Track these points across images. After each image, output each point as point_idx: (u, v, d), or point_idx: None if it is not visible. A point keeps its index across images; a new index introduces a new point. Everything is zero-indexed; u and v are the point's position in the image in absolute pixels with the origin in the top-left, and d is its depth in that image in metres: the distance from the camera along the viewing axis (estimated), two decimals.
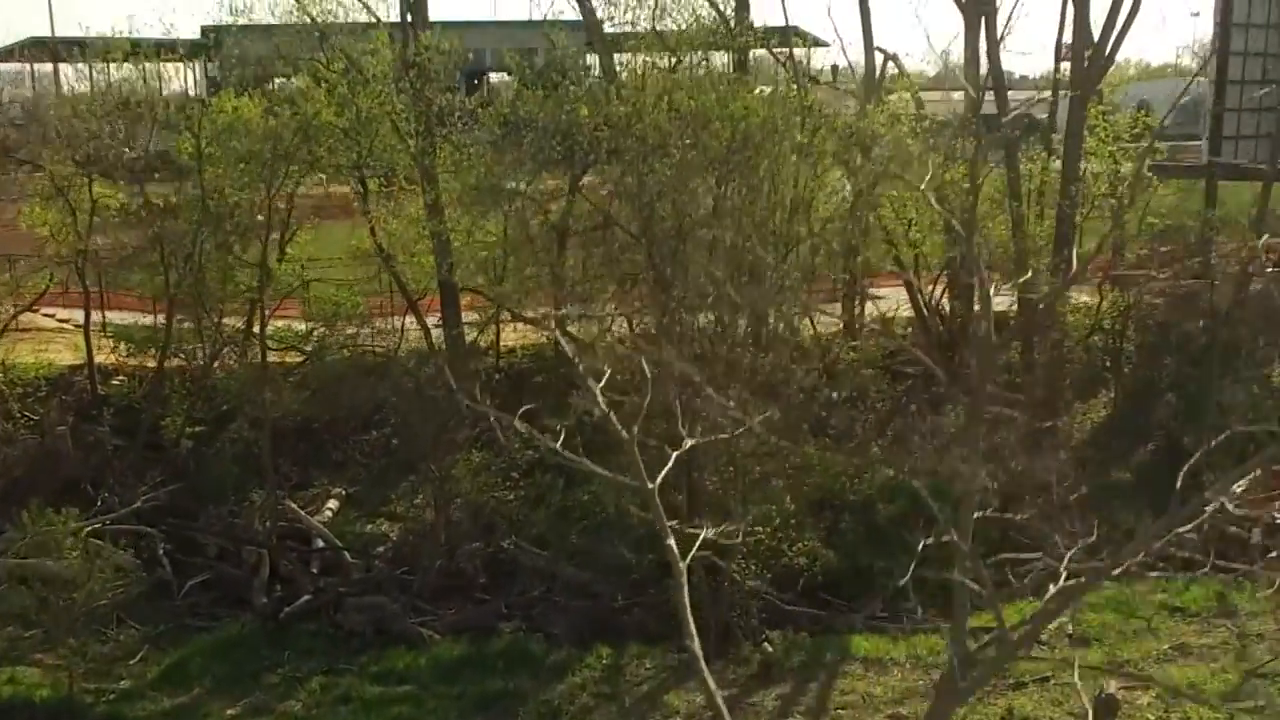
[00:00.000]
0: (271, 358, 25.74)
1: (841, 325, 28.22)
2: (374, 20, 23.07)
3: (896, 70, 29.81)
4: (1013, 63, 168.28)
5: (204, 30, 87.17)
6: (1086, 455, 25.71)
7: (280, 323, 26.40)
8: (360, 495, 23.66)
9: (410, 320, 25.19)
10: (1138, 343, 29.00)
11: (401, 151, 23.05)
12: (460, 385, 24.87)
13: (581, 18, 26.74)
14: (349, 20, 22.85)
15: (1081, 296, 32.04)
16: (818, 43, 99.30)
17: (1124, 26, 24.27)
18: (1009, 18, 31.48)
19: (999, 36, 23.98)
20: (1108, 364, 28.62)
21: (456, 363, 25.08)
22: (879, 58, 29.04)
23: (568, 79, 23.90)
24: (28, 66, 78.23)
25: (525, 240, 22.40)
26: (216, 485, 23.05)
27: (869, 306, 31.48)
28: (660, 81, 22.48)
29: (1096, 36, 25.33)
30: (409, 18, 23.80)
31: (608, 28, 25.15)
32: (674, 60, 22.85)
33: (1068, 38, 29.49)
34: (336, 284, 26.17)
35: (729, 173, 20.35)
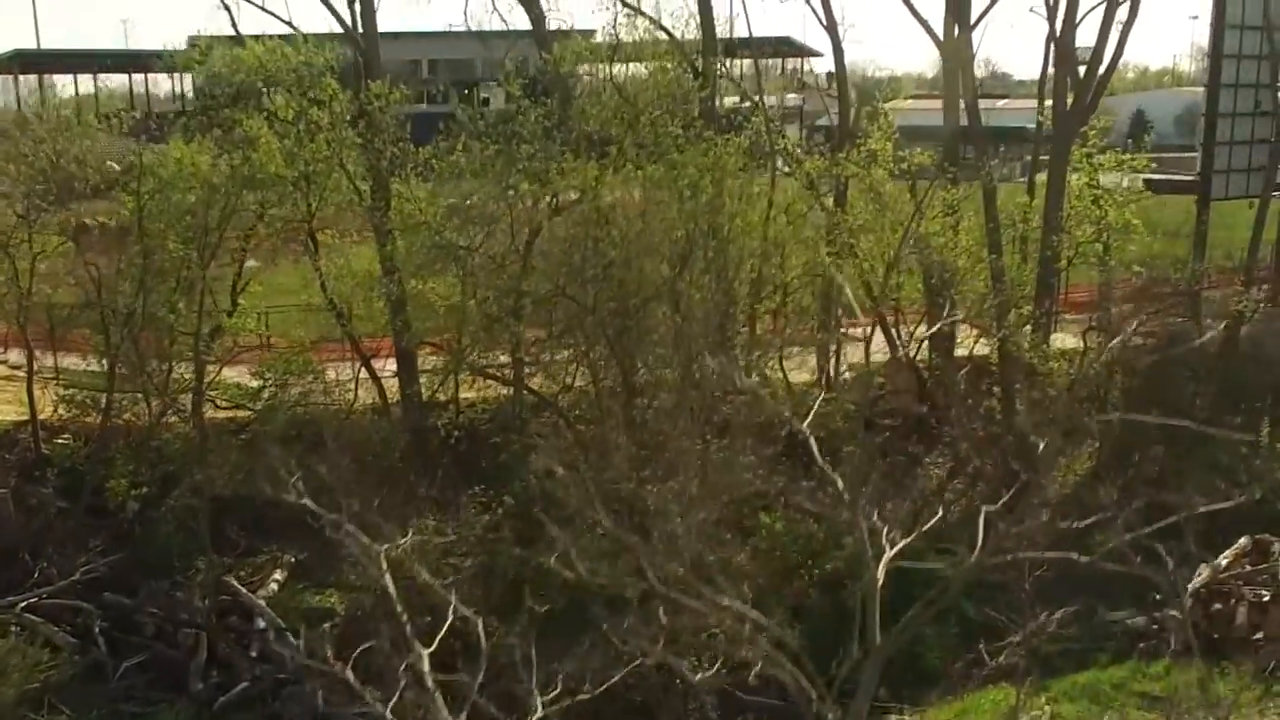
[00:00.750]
0: (224, 413, 25.02)
1: (817, 373, 27.33)
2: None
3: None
4: (1012, 65, 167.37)
5: (190, 41, 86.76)
6: (1064, 516, 24.78)
7: (238, 369, 25.59)
8: (311, 562, 22.70)
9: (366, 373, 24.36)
10: (1125, 387, 28.09)
11: (353, 205, 22.12)
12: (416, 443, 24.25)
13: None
14: (295, 63, 21.81)
15: (1068, 340, 31.18)
16: (810, 52, 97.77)
17: (1107, 71, 23.35)
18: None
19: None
20: (1093, 412, 27.72)
21: (413, 420, 24.30)
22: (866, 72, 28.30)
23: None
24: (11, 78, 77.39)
25: (480, 301, 21.45)
26: (161, 553, 22.13)
27: (851, 345, 30.76)
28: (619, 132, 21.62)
29: (1091, 54, 24.53)
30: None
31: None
32: (632, 116, 21.85)
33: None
34: (293, 326, 25.35)
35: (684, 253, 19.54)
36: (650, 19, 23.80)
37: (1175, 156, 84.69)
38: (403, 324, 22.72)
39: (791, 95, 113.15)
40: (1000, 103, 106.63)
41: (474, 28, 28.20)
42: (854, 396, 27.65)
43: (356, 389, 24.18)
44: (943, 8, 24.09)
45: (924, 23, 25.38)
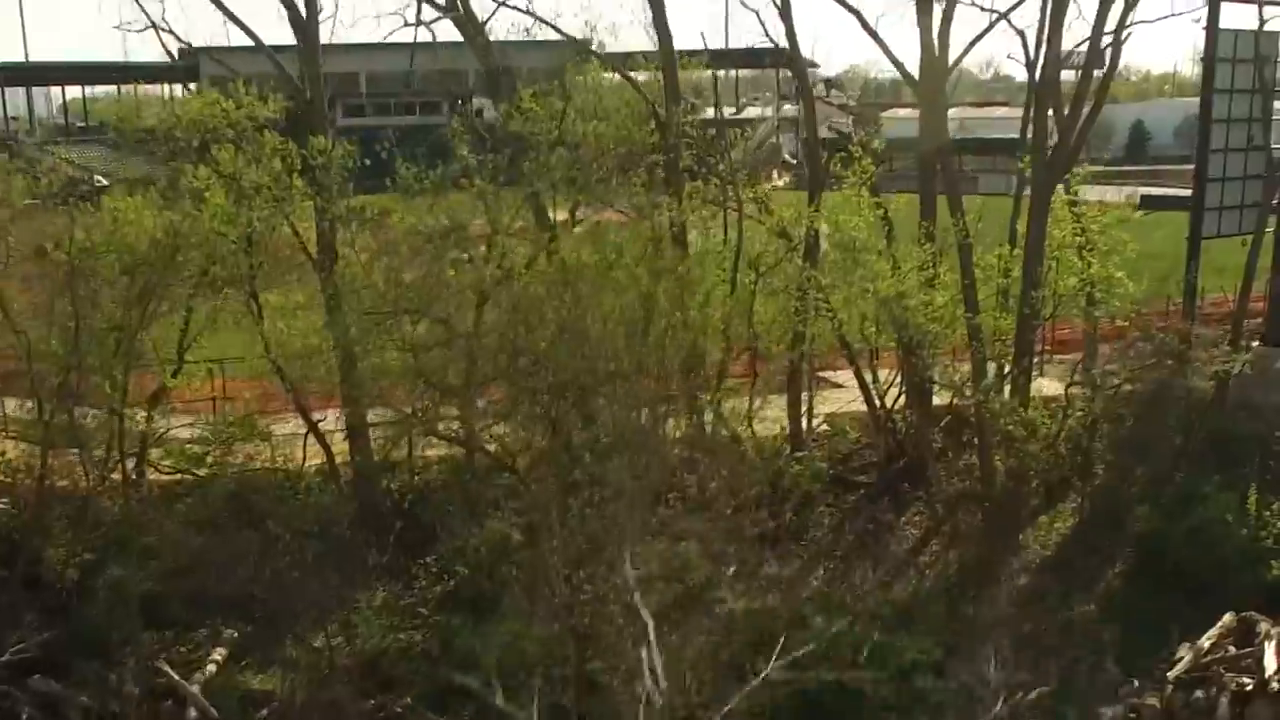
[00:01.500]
0: (169, 476, 24.11)
1: (788, 427, 26.30)
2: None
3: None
4: (1012, 69, 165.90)
5: (181, 53, 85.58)
6: (1046, 581, 23.86)
7: (189, 420, 24.73)
8: (256, 636, 21.77)
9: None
10: (1110, 438, 27.07)
11: (298, 267, 21.18)
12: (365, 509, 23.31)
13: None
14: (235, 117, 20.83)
15: (1053, 385, 30.17)
16: (806, 62, 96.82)
17: (1087, 120, 22.37)
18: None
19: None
20: (1078, 462, 26.70)
21: (363, 485, 23.39)
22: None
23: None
24: None
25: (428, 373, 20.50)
26: (97, 630, 21.16)
27: (830, 389, 29.79)
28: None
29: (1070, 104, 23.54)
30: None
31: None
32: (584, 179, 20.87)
33: None
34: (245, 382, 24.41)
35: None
36: (614, 66, 22.79)
37: (1175, 169, 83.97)
38: (351, 387, 21.76)
39: (788, 106, 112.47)
40: (999, 111, 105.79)
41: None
42: (827, 453, 26.79)
43: (305, 452, 23.21)
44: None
45: (899, 65, 24.46)
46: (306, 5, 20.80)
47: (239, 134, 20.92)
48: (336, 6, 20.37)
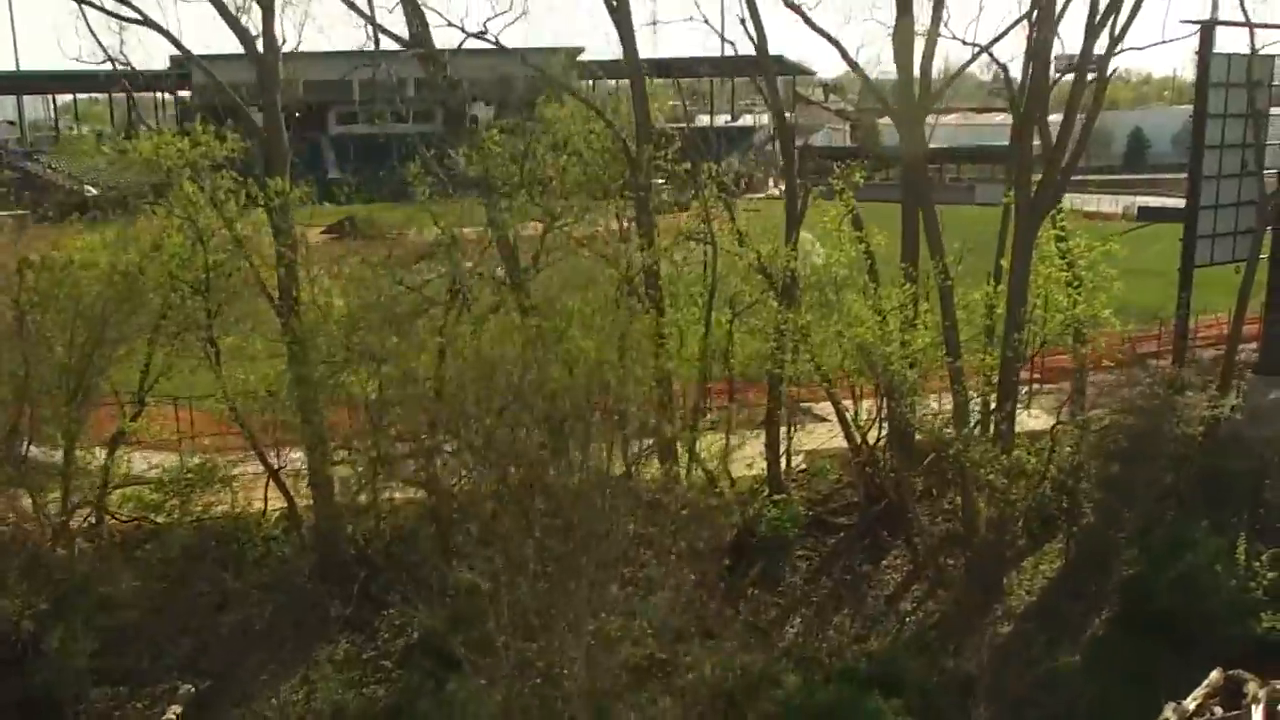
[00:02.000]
0: (129, 523, 23.49)
1: (767, 467, 25.61)
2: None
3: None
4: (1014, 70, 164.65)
5: (172, 60, 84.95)
6: (1030, 630, 23.21)
7: (155, 457, 24.10)
8: (213, 692, 21.14)
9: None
10: (1100, 475, 26.37)
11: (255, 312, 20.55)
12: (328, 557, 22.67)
13: None
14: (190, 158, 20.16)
15: (1040, 418, 29.52)
16: (801, 70, 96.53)
17: (1070, 161, 21.70)
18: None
19: None
20: (1064, 502, 26.02)
21: (325, 532, 22.76)
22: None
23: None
24: None
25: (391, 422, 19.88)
26: (50, 686, 20.53)
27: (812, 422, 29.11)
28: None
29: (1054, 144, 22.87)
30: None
31: None
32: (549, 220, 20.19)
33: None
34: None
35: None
36: (586, 101, 22.12)
37: (1174, 178, 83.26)
38: (312, 434, 21.14)
39: (786, 114, 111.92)
40: (999, 117, 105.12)
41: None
42: (807, 494, 26.14)
43: (266, 499, 22.57)
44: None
45: (883, 99, 23.77)
46: (265, 42, 20.14)
47: (196, 173, 20.25)
48: (299, 39, 19.52)
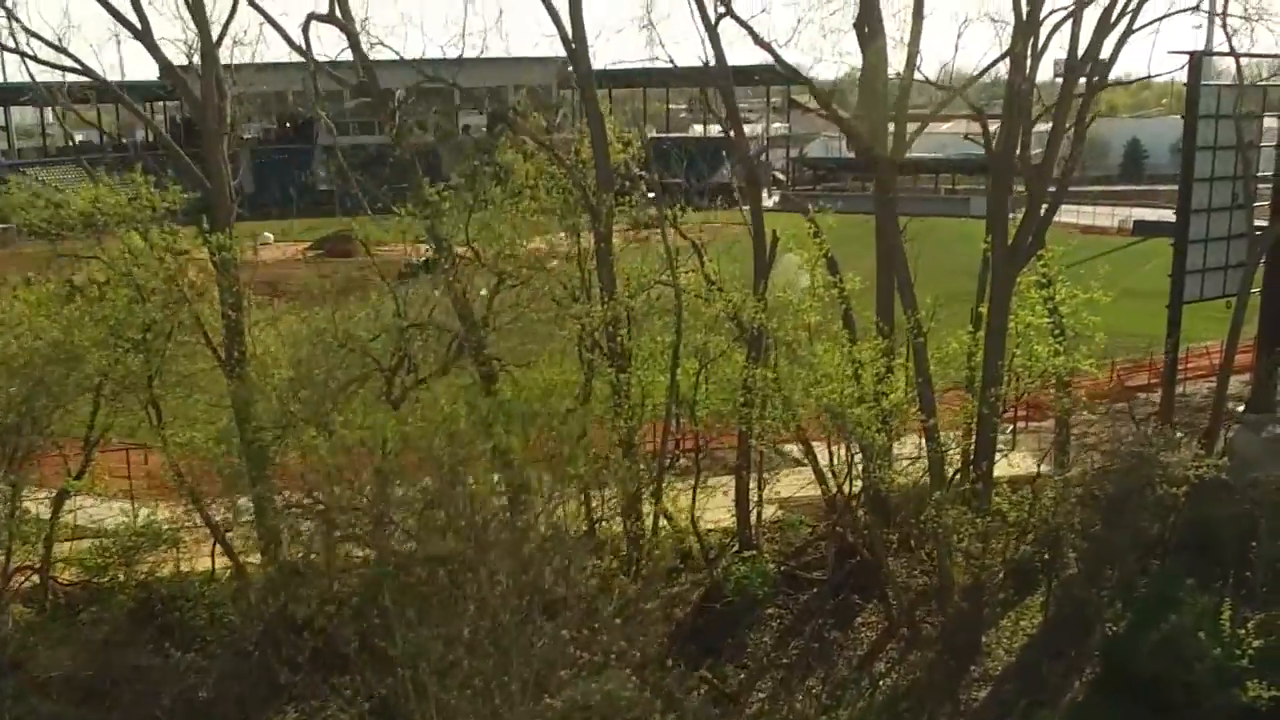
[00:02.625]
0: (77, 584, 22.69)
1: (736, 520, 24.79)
2: None
3: None
4: None
5: (164, 70, 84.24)
6: (1008, 693, 22.39)
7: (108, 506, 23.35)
8: None
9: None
10: (1084, 523, 25.51)
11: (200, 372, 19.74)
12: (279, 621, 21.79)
13: None
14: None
15: (1026, 460, 28.72)
16: (797, 79, 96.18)
17: (1049, 211, 20.86)
18: None
19: None
20: (1044, 557, 25.16)
21: (276, 594, 21.88)
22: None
23: None
24: None
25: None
26: None
27: (788, 466, 28.24)
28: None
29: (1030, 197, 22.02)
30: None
31: None
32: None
33: None
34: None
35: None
36: (545, 145, 21.28)
37: (1171, 189, 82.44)
38: (261, 492, 20.31)
39: (777, 124, 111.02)
40: (994, 125, 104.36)
41: None
42: (779, 546, 25.33)
43: (214, 561, 21.76)
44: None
45: (857, 136, 22.93)
46: (204, 93, 19.33)
47: (137, 225, 19.44)
48: (233, 84, 18.51)
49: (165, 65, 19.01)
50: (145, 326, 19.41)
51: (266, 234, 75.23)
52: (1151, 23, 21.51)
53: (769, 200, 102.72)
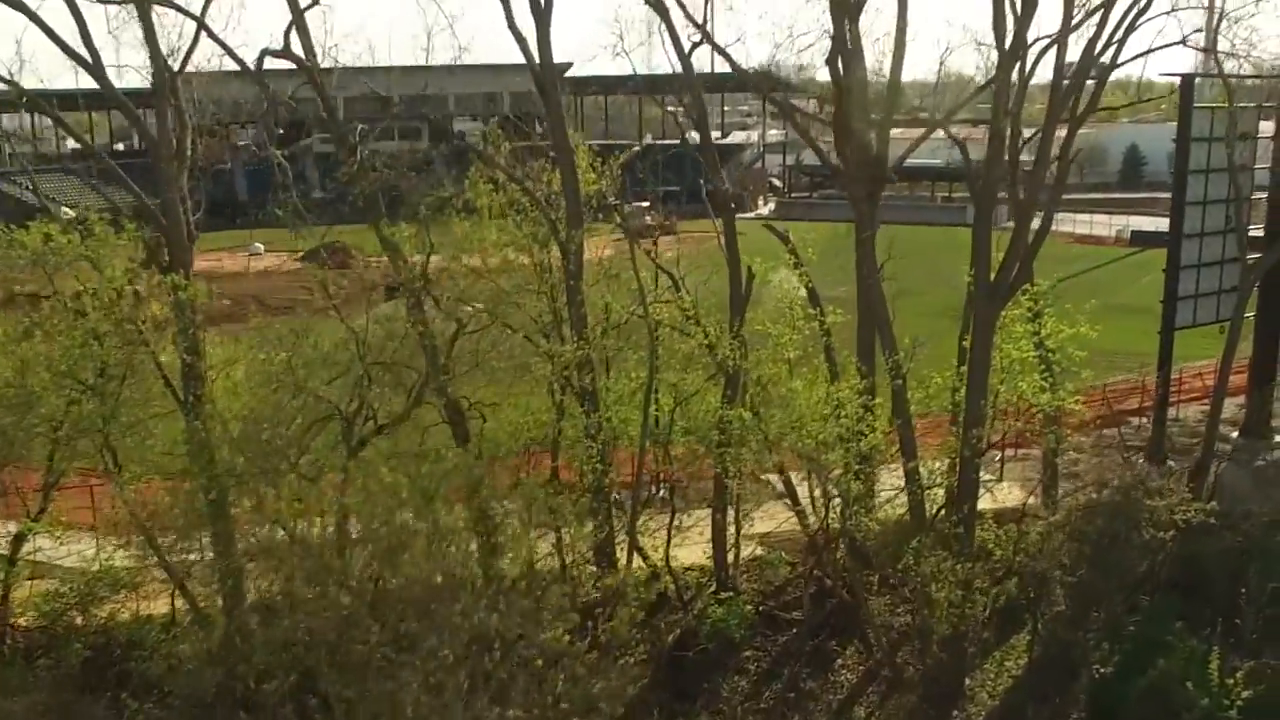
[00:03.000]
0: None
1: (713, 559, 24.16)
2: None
3: None
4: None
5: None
6: None
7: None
8: None
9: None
10: (1073, 558, 24.87)
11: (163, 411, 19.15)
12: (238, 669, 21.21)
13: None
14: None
15: (1014, 491, 28.14)
16: (791, 87, 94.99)
17: (1032, 248, 20.24)
18: None
19: None
20: (1030, 595, 24.54)
21: (236, 640, 21.28)
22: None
23: None
24: None
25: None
26: None
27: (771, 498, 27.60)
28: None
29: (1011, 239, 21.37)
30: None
31: None
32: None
33: None
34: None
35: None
36: (515, 179, 20.65)
37: (1169, 197, 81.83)
38: (220, 536, 19.70)
39: (774, 131, 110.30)
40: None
41: None
42: (759, 585, 24.72)
43: (174, 607, 21.15)
44: None
45: (834, 169, 22.32)
46: (159, 132, 18.72)
47: (93, 265, 18.86)
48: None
49: (118, 100, 18.41)
50: (99, 370, 18.82)
51: (257, 244, 74.64)
52: (1138, 56, 20.82)
53: (766, 207, 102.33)
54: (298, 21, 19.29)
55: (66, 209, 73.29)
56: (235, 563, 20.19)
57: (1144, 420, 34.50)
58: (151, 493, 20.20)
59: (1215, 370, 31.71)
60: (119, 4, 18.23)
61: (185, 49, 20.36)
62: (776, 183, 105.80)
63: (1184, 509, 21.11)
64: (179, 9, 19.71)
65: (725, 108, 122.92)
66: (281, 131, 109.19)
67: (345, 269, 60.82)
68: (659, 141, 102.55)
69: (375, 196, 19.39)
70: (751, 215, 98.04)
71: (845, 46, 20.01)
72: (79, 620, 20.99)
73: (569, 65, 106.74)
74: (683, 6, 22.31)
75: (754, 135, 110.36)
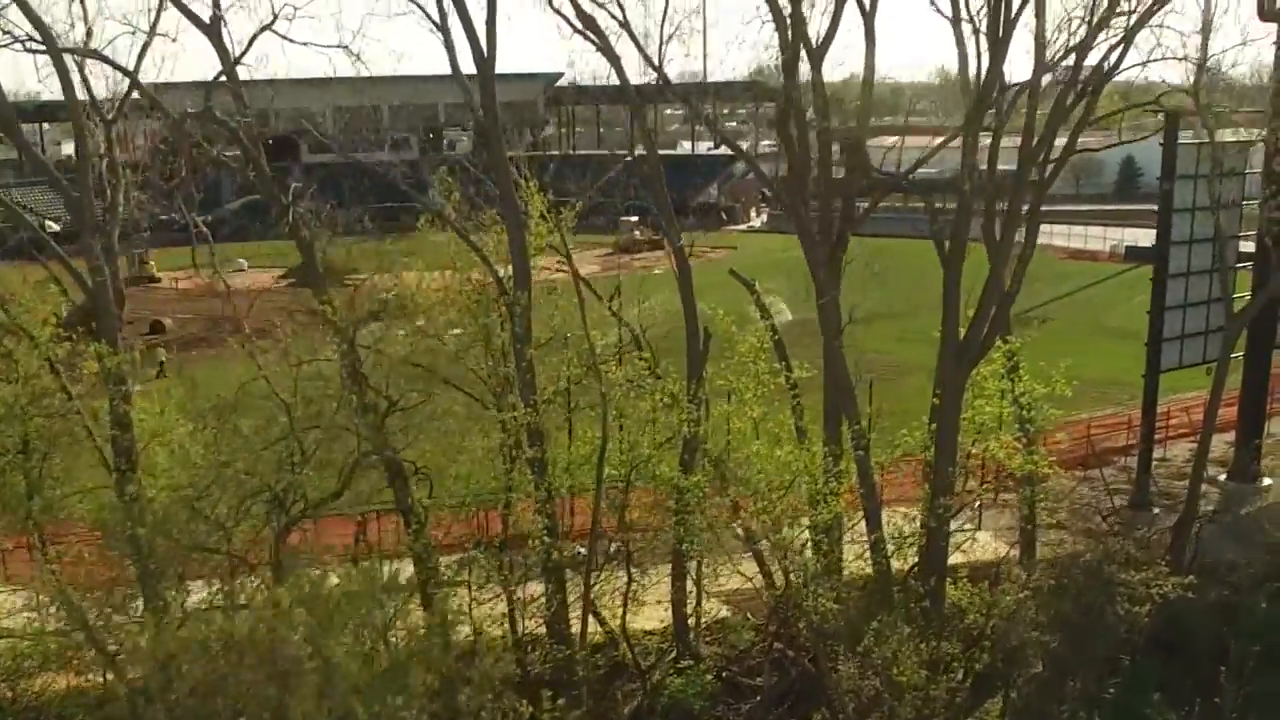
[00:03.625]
0: None
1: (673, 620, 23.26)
2: None
3: None
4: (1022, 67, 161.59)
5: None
6: None
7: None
8: None
9: None
10: (1050, 618, 24.01)
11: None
12: None
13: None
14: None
15: (993, 542, 27.26)
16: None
17: (998, 312, 19.35)
18: None
19: None
20: (1005, 654, 23.65)
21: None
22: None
23: None
24: None
25: None
26: None
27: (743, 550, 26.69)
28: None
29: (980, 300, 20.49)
30: None
31: None
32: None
33: None
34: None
35: None
36: (465, 239, 19.74)
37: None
38: (154, 608, 18.83)
39: (766, 142, 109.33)
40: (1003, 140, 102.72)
41: None
42: (722, 649, 23.83)
43: (107, 679, 20.24)
44: None
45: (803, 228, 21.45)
46: (81, 195, 17.82)
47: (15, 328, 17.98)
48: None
49: (37, 162, 17.50)
50: (20, 446, 17.98)
51: (241, 260, 73.77)
52: (1111, 115, 19.94)
53: (758, 219, 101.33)
54: (228, 71, 18.44)
55: (51, 223, 72.51)
56: (166, 642, 19.37)
57: (1129, 460, 33.55)
58: (82, 566, 19.38)
59: (1203, 407, 30.83)
60: (34, 52, 17.36)
61: (119, 101, 19.58)
62: (768, 193, 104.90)
63: (1160, 583, 20.19)
64: (107, 61, 18.87)
65: (724, 112, 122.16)
66: (271, 142, 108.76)
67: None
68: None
69: (310, 247, 18.60)
70: (743, 227, 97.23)
71: (797, 107, 19.17)
72: (9, 694, 20.11)
73: (559, 75, 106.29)
74: (638, 43, 21.22)
75: (746, 145, 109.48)
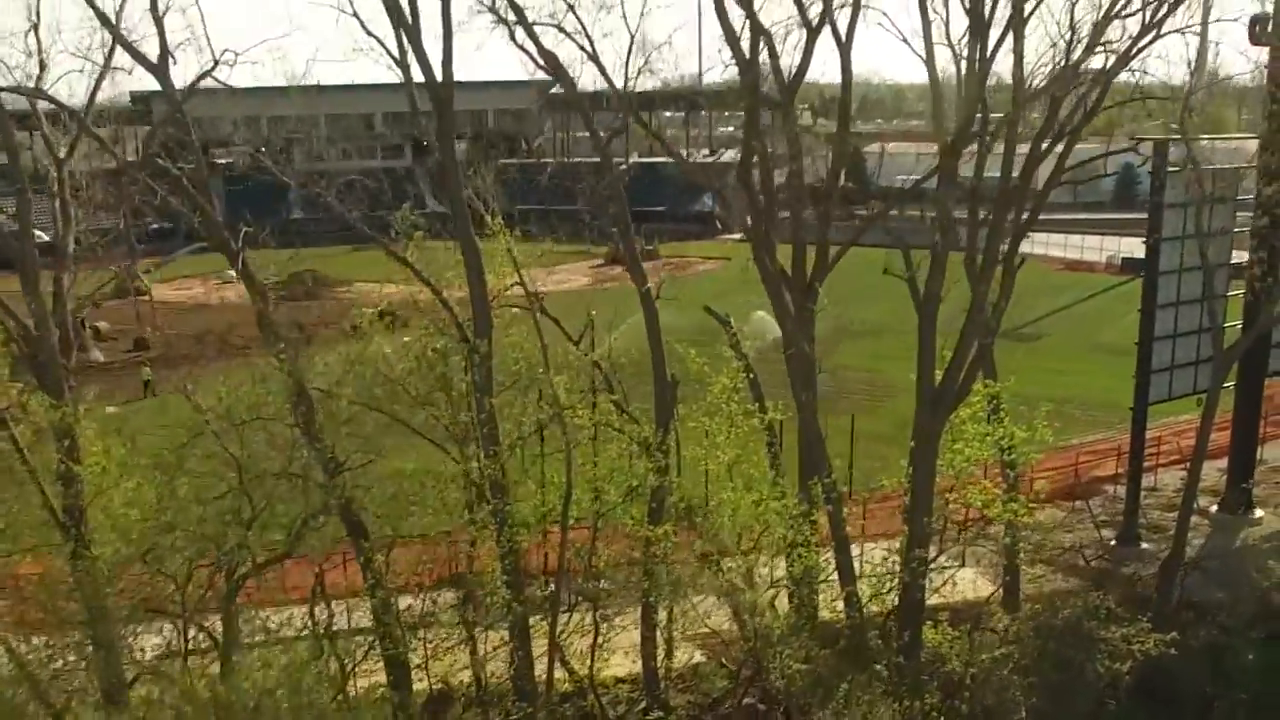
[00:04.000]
0: None
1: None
2: None
3: None
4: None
5: (134, 97, 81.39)
6: None
7: None
8: None
9: None
10: (1033, 666, 23.43)
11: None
12: None
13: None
14: None
15: (977, 579, 26.67)
16: (777, 104, 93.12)
17: (975, 357, 18.74)
18: None
19: None
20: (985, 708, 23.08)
21: None
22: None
23: None
24: None
25: None
26: None
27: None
28: None
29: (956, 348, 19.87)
30: None
31: None
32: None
33: None
34: None
35: None
36: (424, 279, 19.18)
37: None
38: (108, 669, 18.27)
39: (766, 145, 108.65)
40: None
41: None
42: (693, 698, 23.24)
43: None
44: None
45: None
46: (22, 245, 17.25)
47: None
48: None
49: None
50: None
51: (230, 271, 73.13)
52: (1093, 159, 19.37)
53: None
54: (175, 111, 17.90)
55: (41, 233, 71.88)
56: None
57: (1119, 488, 32.89)
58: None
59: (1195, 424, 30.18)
60: None
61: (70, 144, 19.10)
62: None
63: (1141, 640, 19.61)
64: (54, 101, 18.32)
65: (725, 115, 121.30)
66: (261, 151, 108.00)
67: (313, 299, 59.32)
68: (649, 160, 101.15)
69: (263, 293, 18.15)
70: (737, 236, 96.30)
71: (761, 153, 18.58)
72: None
73: (551, 84, 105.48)
74: (607, 76, 20.64)
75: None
